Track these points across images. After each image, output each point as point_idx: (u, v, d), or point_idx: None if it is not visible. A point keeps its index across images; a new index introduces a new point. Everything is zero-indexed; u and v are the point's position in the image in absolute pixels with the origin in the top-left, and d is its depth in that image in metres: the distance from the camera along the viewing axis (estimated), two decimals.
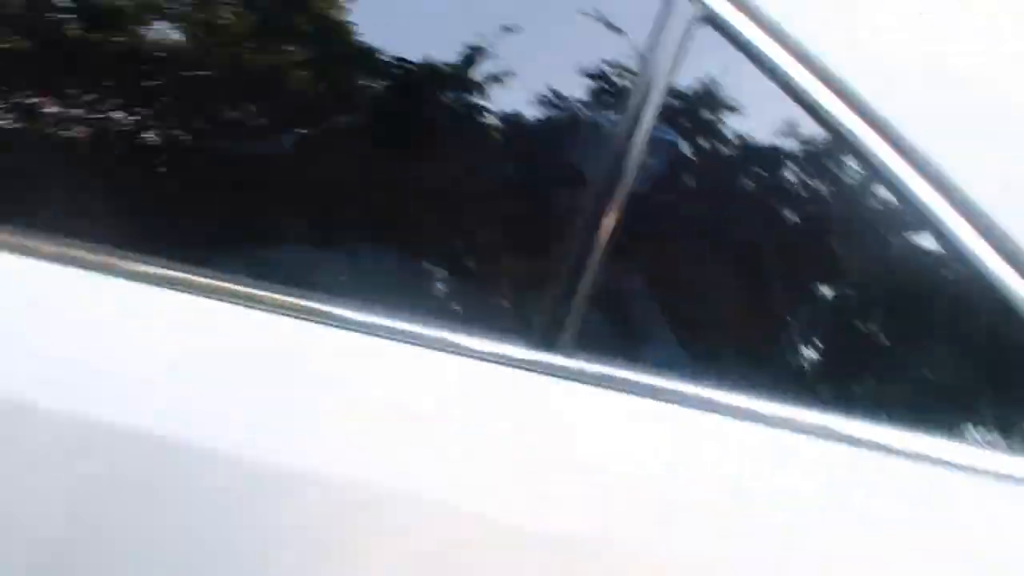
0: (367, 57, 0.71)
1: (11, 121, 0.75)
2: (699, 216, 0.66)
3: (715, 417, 0.58)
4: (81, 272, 0.63)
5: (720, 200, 0.67)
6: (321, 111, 0.74)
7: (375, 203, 0.69)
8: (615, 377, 0.60)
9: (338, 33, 0.74)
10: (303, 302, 0.61)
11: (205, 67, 0.75)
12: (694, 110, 0.65)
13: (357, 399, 0.60)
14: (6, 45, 0.77)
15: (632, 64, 0.64)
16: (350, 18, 0.74)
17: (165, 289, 0.62)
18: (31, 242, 0.65)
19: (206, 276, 0.62)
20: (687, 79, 0.64)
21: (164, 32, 0.75)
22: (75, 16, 0.77)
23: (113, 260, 0.64)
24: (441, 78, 0.71)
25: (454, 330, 0.61)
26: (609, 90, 0.66)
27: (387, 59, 0.70)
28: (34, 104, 0.75)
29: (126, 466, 0.60)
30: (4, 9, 0.76)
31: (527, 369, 0.60)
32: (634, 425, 0.59)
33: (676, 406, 0.59)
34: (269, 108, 0.74)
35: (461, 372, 0.61)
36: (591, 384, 0.60)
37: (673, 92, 0.63)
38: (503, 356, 0.60)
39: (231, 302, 0.62)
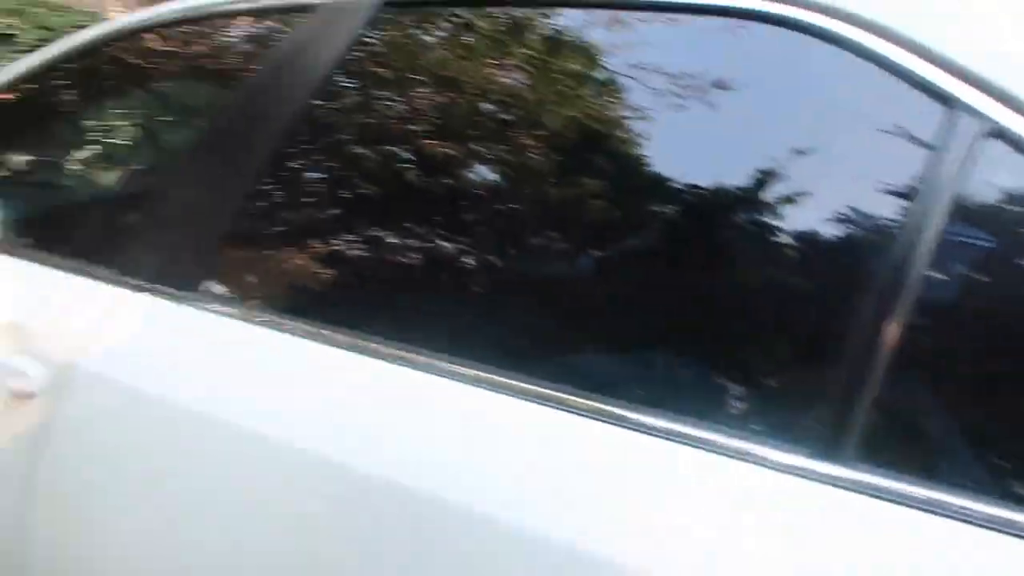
0: (659, 184, 0.79)
1: (364, 249, 0.95)
2: (987, 325, 0.66)
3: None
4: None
5: (1011, 308, 0.66)
6: (619, 234, 0.83)
7: (669, 317, 0.75)
8: (900, 492, 0.60)
9: (634, 163, 0.82)
10: (604, 407, 0.68)
11: (516, 200, 0.90)
12: (982, 220, 0.66)
13: (648, 499, 0.64)
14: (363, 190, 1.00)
15: (918, 177, 0.65)
16: (646, 151, 0.82)
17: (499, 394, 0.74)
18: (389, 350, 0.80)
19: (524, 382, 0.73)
20: (975, 190, 0.64)
21: (480, 173, 0.93)
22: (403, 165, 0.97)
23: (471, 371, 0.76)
24: (727, 198, 0.76)
25: (736, 436, 0.64)
26: (894, 203, 0.67)
27: (679, 184, 0.78)
28: (380, 235, 0.94)
29: None
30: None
31: (809, 478, 0.61)
32: (919, 545, 0.58)
33: (969, 525, 0.57)
34: (573, 233, 0.86)
35: (744, 479, 0.63)
36: (875, 496, 0.60)
37: (960, 204, 0.64)
38: (786, 465, 0.62)
39: (544, 405, 0.71)
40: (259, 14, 1.26)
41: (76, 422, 0.93)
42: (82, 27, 5.08)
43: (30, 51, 5.41)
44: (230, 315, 0.92)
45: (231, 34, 1.34)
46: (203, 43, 1.37)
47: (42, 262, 1.14)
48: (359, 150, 1.00)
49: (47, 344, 0.98)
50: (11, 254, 1.20)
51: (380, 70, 1.03)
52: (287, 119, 0.98)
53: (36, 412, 0.93)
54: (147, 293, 0.97)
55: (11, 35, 4.88)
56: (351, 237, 0.97)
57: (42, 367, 0.95)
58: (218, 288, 0.98)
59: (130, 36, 1.37)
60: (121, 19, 1.44)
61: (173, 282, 0.96)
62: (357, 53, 1.02)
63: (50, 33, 5.11)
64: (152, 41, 1.38)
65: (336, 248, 0.98)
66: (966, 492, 0.58)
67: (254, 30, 1.28)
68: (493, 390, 0.74)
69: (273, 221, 1.03)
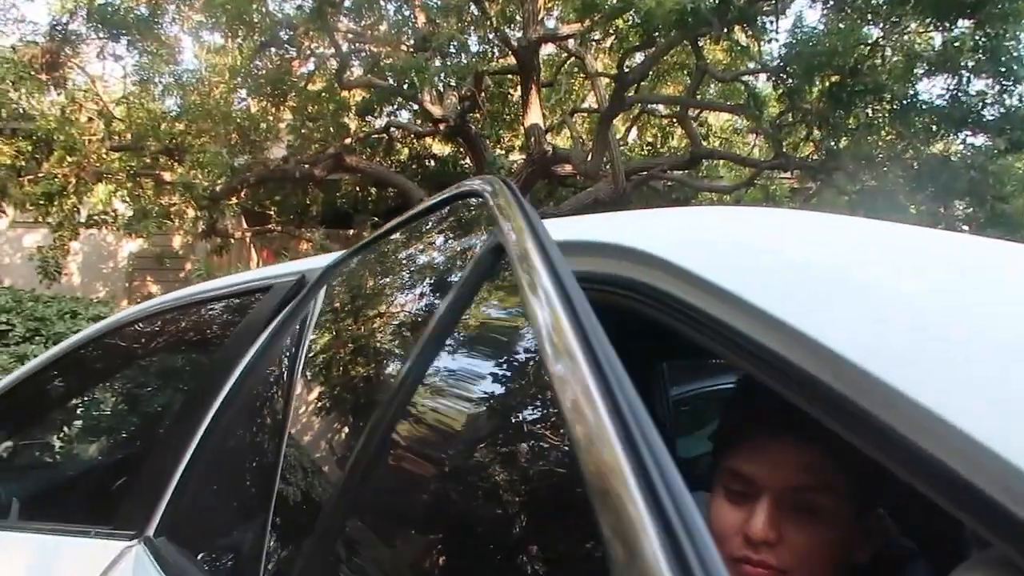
0: None
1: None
2: None
3: None
4: None
5: None
6: None
7: None
8: None
9: None
10: None
11: None
12: None
13: None
14: None
15: None
16: None
17: None
18: None
19: None
20: None
21: None
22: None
23: None
24: None
25: None
26: None
27: None
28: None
29: None
30: None
31: None
32: None
33: None
34: None
35: None
36: None
37: None
38: None
39: None
40: (228, 297, 1.55)
41: None
42: (70, 313, 5.36)
43: (23, 342, 5.66)
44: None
45: (204, 316, 1.62)
46: (182, 326, 1.65)
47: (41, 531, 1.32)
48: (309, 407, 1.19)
49: None
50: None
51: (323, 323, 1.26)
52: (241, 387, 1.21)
53: None
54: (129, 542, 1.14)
55: (7, 330, 5.24)
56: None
57: None
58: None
59: (122, 328, 1.65)
60: (113, 317, 1.73)
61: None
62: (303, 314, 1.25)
63: (42, 324, 5.49)
64: (141, 329, 1.66)
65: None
66: None
67: (225, 310, 1.56)
68: None
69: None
